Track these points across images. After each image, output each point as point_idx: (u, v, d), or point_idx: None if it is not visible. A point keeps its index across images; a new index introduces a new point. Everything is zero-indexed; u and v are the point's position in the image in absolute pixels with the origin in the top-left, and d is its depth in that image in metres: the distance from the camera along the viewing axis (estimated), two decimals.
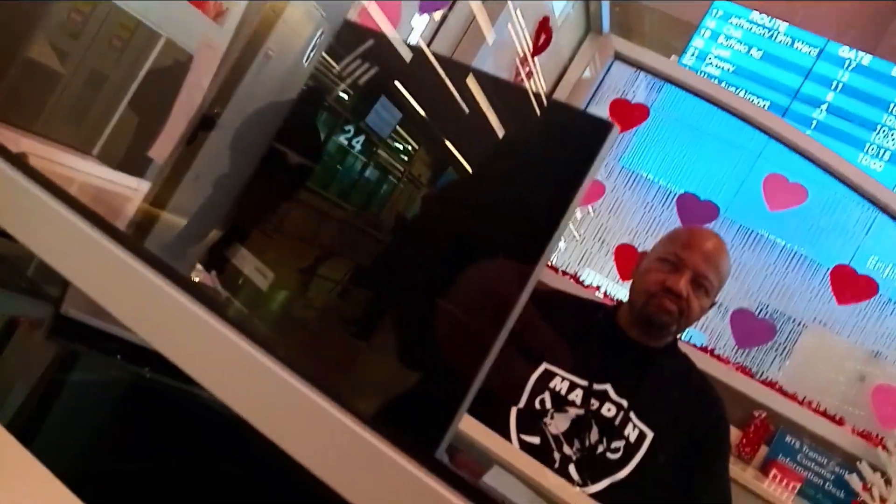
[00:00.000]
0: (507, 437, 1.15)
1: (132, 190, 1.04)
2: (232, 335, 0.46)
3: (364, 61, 0.80)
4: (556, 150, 0.57)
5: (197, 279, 0.84)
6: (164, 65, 1.68)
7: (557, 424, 1.17)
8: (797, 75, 4.14)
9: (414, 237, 0.67)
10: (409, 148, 0.75)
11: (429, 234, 0.65)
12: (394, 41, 0.73)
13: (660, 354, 1.29)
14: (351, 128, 0.79)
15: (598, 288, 3.32)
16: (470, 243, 0.59)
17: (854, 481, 2.65)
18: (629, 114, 3.26)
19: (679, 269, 1.21)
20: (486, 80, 0.64)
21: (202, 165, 0.83)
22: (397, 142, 0.75)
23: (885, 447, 2.70)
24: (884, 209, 3.07)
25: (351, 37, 0.78)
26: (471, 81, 0.66)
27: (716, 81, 4.04)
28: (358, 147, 0.78)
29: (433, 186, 0.69)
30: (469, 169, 0.67)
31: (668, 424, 1.23)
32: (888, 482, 2.59)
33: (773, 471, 2.76)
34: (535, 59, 3.11)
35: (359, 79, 0.79)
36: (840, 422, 2.87)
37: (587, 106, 3.44)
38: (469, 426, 0.89)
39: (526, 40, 3.02)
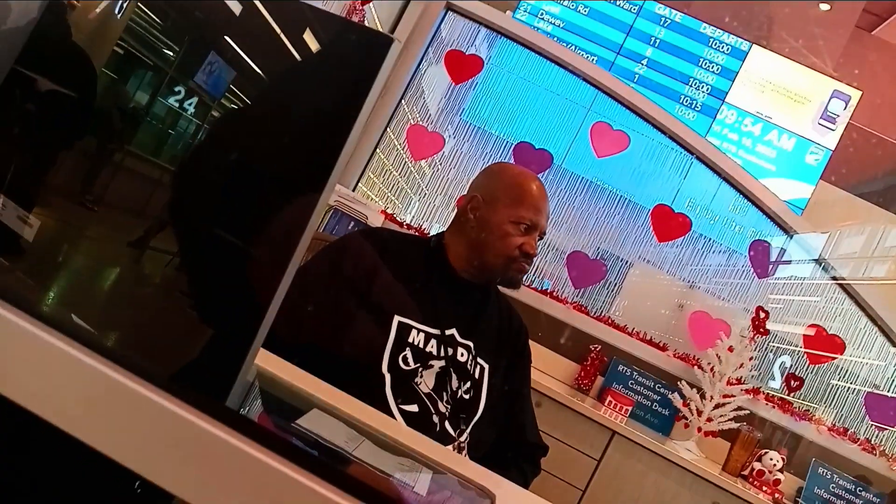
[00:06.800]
0: (388, 410, 1.11)
1: None
2: None
3: None
4: (342, 67, 0.55)
5: None
6: None
7: (427, 382, 1.17)
8: (621, 31, 4.40)
9: (202, 175, 0.62)
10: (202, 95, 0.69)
11: (219, 168, 0.60)
12: None
13: (485, 290, 1.33)
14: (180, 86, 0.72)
15: None
16: (261, 168, 0.57)
17: (676, 399, 2.95)
18: (464, 65, 3.28)
19: (530, 231, 1.27)
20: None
21: None
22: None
23: (699, 366, 3.03)
24: (696, 154, 3.37)
25: None
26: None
27: (548, 36, 4.18)
28: (185, 103, 0.72)
29: (223, 120, 0.65)
30: (259, 92, 0.63)
31: (495, 352, 1.28)
32: (703, 396, 2.91)
33: (608, 398, 2.99)
34: (370, 6, 3.03)
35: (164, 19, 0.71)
36: (663, 348, 3.17)
37: (423, 56, 3.42)
38: (298, 377, 0.85)
39: None
